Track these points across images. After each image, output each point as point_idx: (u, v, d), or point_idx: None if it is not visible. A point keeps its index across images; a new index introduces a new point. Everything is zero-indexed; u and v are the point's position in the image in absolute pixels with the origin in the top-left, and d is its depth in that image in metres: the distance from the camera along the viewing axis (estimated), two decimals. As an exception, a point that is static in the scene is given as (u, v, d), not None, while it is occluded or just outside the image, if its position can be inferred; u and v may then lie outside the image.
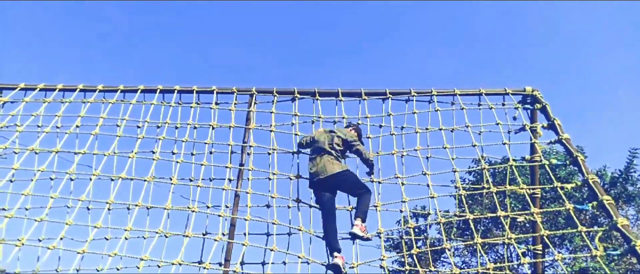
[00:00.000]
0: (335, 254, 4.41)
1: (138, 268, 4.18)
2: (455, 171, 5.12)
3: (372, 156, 5.06)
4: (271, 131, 5.30)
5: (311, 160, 4.87)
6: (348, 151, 5.04)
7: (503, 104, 5.38)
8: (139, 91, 5.56)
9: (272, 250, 4.57)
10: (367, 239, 4.61)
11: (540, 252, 5.11)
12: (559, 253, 6.61)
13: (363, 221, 4.61)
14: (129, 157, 4.92)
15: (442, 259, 13.15)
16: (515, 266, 10.79)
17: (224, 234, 4.64)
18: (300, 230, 4.72)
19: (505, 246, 11.22)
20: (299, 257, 4.53)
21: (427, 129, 5.36)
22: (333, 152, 4.79)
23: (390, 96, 5.50)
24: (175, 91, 5.55)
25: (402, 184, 5.08)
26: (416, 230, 11.56)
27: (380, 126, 5.50)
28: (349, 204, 5.00)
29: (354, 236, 4.52)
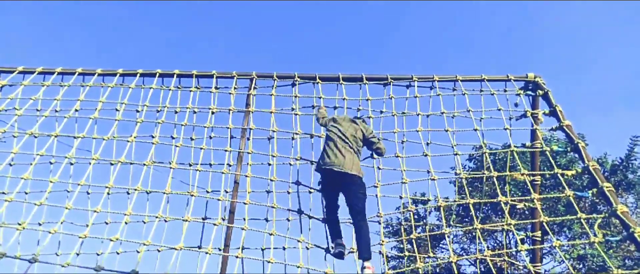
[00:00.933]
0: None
1: (138, 252, 4.19)
2: (456, 155, 5.10)
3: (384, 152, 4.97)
4: (271, 112, 5.27)
5: (331, 145, 4.59)
6: (365, 146, 4.87)
7: (505, 90, 5.34)
8: (138, 75, 5.52)
9: (271, 234, 4.58)
10: None
11: (539, 239, 5.12)
12: (557, 239, 6.61)
13: (370, 259, 4.32)
14: (129, 141, 4.91)
15: (441, 245, 13.21)
16: (514, 252, 10.83)
17: (223, 219, 4.64)
18: (300, 212, 4.72)
19: (504, 233, 11.27)
20: (298, 241, 4.54)
21: (428, 115, 5.34)
22: (355, 145, 4.62)
23: (392, 81, 5.45)
24: (175, 75, 5.51)
25: (403, 170, 5.08)
26: (416, 216, 11.60)
27: (381, 112, 5.46)
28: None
29: None
